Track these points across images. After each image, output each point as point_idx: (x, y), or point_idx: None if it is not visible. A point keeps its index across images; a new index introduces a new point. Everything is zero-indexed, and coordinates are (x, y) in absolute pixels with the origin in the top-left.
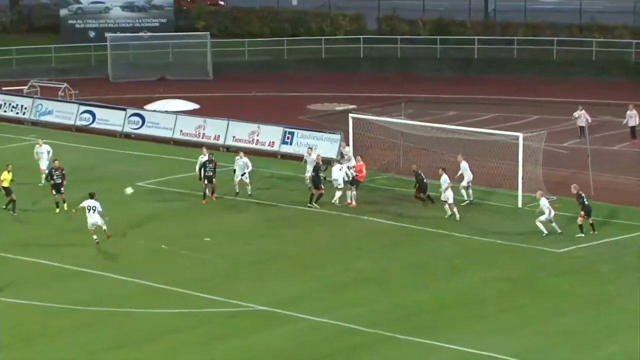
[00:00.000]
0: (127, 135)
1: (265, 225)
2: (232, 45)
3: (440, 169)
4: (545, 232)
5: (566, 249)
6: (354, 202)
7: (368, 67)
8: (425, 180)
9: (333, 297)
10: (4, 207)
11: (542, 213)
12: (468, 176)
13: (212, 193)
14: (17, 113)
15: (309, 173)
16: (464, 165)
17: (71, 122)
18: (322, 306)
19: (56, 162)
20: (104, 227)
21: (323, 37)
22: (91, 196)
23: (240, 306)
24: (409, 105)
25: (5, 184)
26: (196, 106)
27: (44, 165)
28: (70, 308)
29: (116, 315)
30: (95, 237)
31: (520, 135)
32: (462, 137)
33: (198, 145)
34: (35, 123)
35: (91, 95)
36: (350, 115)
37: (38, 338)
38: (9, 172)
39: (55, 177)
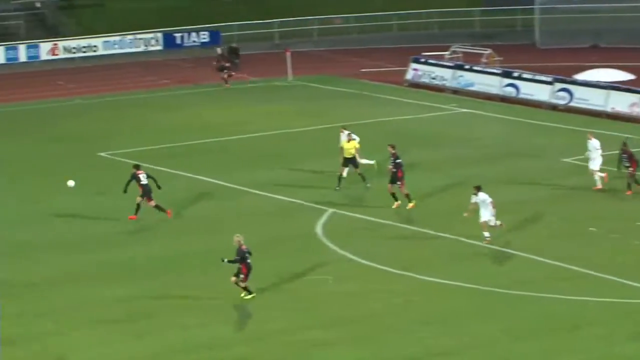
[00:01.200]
0: (554, 107)
1: None
2: None
3: None
4: None
5: None
6: None
7: None
8: None
9: None
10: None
11: None
12: None
13: (637, 182)
14: (437, 84)
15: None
16: None
17: (494, 92)
18: None
19: (390, 147)
20: (494, 223)
21: None
22: (478, 189)
23: None
24: None
25: (346, 154)
26: (631, 76)
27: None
28: (482, 289)
29: (527, 300)
30: (486, 234)
31: None
32: None
33: (632, 121)
34: (456, 91)
35: (515, 63)
36: None
37: (453, 319)
38: (348, 141)
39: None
